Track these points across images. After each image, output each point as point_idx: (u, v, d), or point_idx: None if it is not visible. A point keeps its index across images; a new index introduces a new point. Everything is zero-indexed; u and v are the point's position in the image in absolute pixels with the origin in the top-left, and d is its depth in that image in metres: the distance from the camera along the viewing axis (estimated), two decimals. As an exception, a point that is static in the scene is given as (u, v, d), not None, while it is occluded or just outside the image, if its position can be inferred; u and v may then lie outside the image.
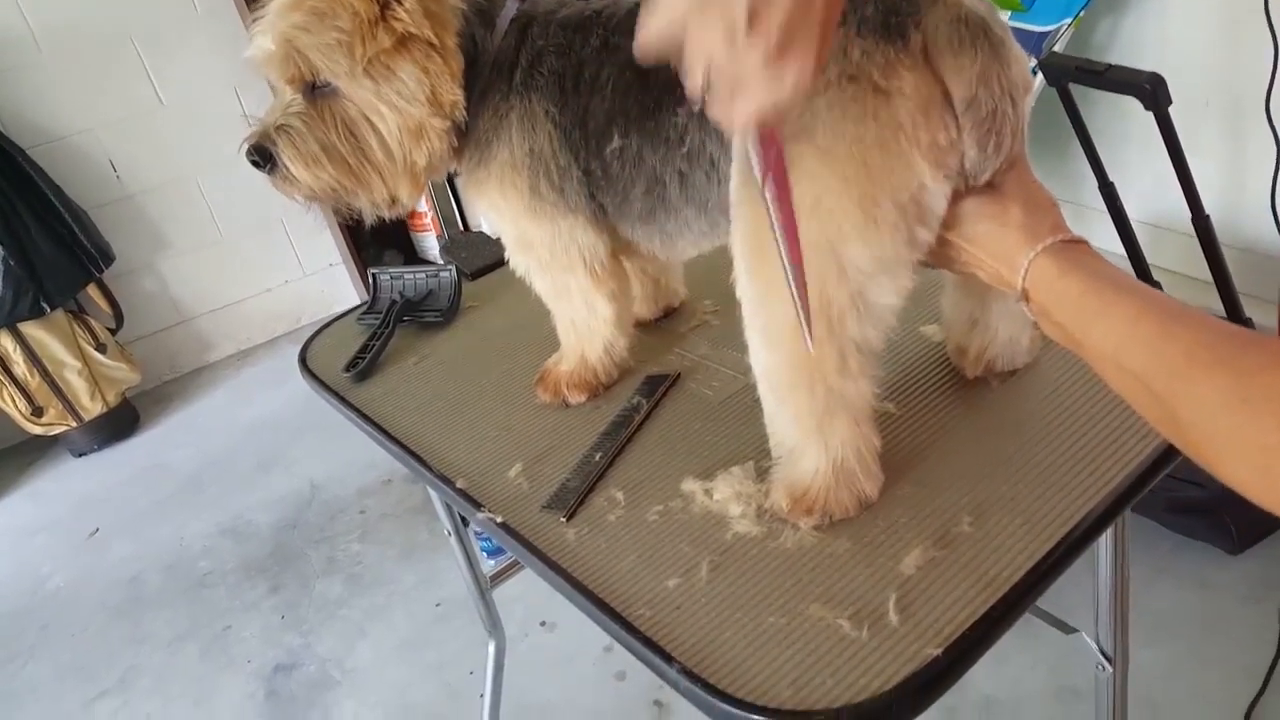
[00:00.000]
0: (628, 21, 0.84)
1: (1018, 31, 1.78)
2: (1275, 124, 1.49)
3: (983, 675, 1.61)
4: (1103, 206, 1.57)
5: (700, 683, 0.67)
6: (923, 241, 0.71)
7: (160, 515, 2.48)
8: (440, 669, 1.86)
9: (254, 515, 2.40)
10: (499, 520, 0.88)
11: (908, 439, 0.88)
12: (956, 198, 0.71)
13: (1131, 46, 1.79)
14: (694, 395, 1.01)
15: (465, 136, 0.91)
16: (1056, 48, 1.71)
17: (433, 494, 1.33)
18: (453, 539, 1.37)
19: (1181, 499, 1.63)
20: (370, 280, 1.32)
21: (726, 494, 0.84)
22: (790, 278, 0.64)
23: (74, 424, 2.75)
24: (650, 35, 0.58)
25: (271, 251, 3.17)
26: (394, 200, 0.92)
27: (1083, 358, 0.64)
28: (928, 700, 0.65)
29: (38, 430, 2.74)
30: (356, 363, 1.17)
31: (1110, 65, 1.38)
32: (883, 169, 0.68)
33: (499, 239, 1.01)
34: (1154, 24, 1.73)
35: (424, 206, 3.24)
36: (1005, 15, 1.80)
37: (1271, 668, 1.45)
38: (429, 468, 0.98)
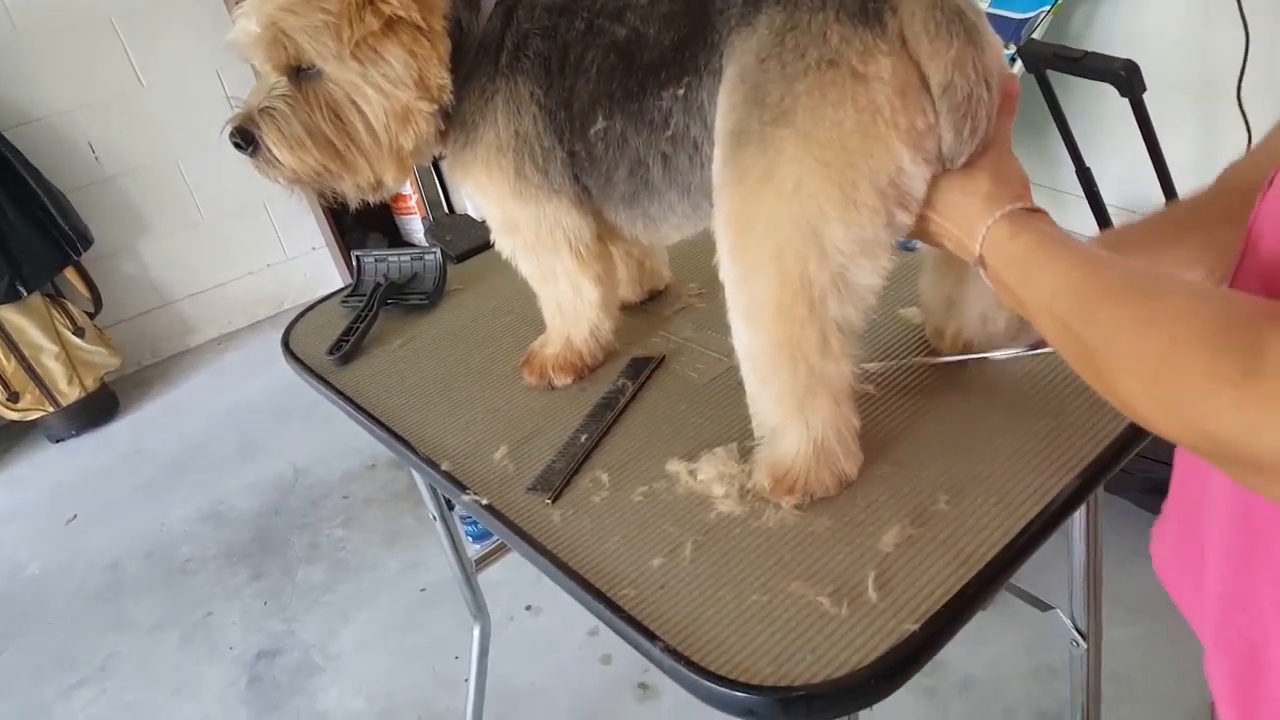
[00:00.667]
0: (612, 5, 0.84)
1: (998, 18, 1.79)
2: (1246, 110, 1.51)
3: (962, 654, 1.64)
4: (1080, 191, 1.59)
5: (684, 660, 0.69)
6: (902, 224, 0.72)
7: (140, 501, 2.47)
8: (425, 654, 1.87)
9: (236, 501, 2.40)
10: (484, 502, 0.89)
11: (886, 420, 0.90)
12: (934, 179, 0.72)
13: (1108, 34, 1.81)
14: (679, 377, 1.02)
15: (451, 119, 0.92)
16: (1035, 34, 1.72)
17: (417, 477, 1.33)
18: (438, 523, 1.37)
19: (1156, 479, 1.66)
20: (354, 263, 1.32)
21: (710, 475, 0.85)
22: None
23: (51, 409, 2.73)
24: None
25: (254, 235, 3.15)
26: (379, 184, 0.92)
27: (1027, 317, 0.64)
28: (905, 675, 0.67)
29: (14, 416, 2.71)
30: (340, 346, 1.17)
31: (1087, 52, 1.40)
32: (862, 153, 0.69)
33: (484, 221, 1.02)
34: (1130, 12, 1.75)
35: (409, 189, 3.22)
36: (985, 2, 1.81)
37: (1241, 645, 1.48)
38: (414, 451, 0.98)
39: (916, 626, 0.68)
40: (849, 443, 0.81)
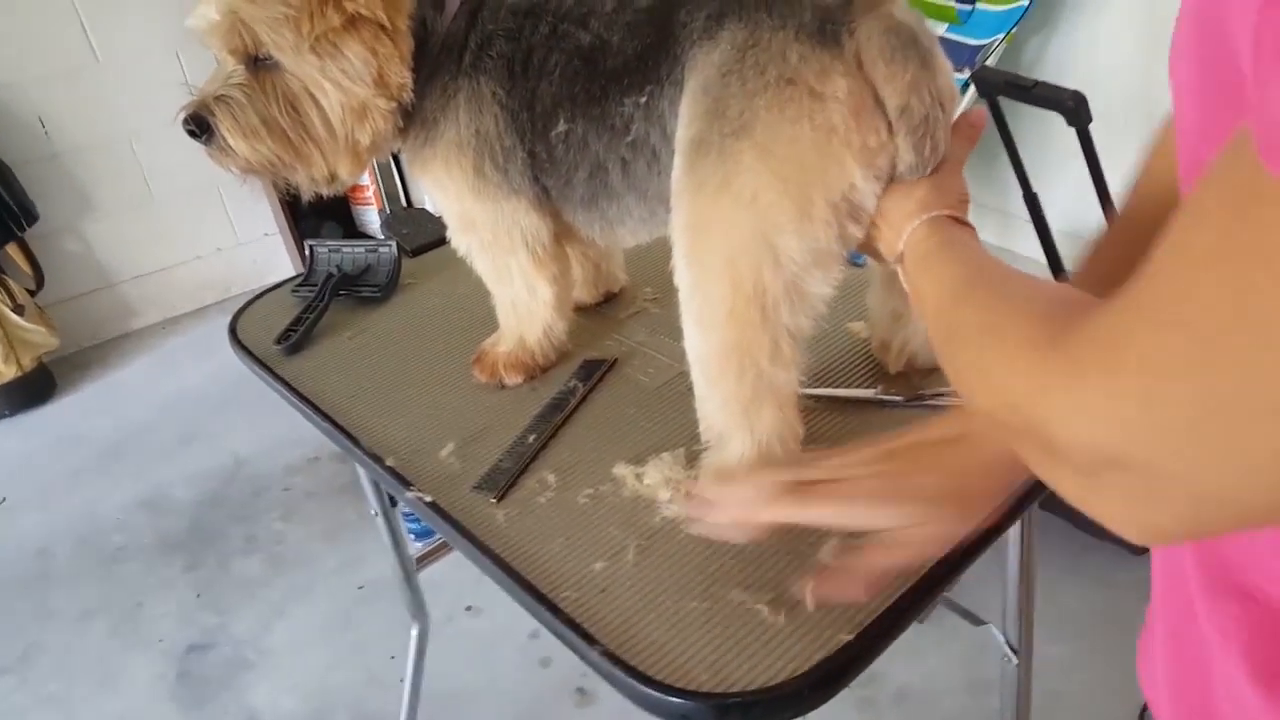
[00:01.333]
0: (577, 11, 0.84)
1: (953, 44, 1.83)
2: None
3: (899, 666, 1.66)
4: (1027, 215, 1.63)
5: (621, 665, 0.69)
6: (853, 236, 0.74)
7: (73, 486, 2.40)
8: (360, 652, 1.85)
9: (173, 489, 2.34)
10: (428, 500, 0.88)
11: (829, 430, 0.91)
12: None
13: (1059, 63, 1.86)
14: (630, 381, 1.02)
15: (411, 116, 0.91)
16: (989, 61, 1.77)
17: (361, 472, 1.32)
18: (379, 519, 1.36)
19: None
20: (307, 252, 1.30)
21: (656, 479, 0.86)
22: None
23: (-16, 388, 2.64)
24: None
25: (205, 218, 3.08)
26: (333, 177, 0.92)
27: (921, 317, 0.65)
28: (839, 684, 0.68)
29: (-55, 393, 2.63)
30: (288, 335, 1.15)
31: (1038, 81, 1.44)
32: (817, 168, 0.70)
33: (441, 217, 1.01)
34: (1082, 43, 1.81)
35: (367, 180, 3.19)
36: (942, 28, 1.85)
37: (1164, 664, 1.52)
38: (359, 445, 0.97)
39: (851, 636, 0.69)
40: (793, 450, 0.82)
